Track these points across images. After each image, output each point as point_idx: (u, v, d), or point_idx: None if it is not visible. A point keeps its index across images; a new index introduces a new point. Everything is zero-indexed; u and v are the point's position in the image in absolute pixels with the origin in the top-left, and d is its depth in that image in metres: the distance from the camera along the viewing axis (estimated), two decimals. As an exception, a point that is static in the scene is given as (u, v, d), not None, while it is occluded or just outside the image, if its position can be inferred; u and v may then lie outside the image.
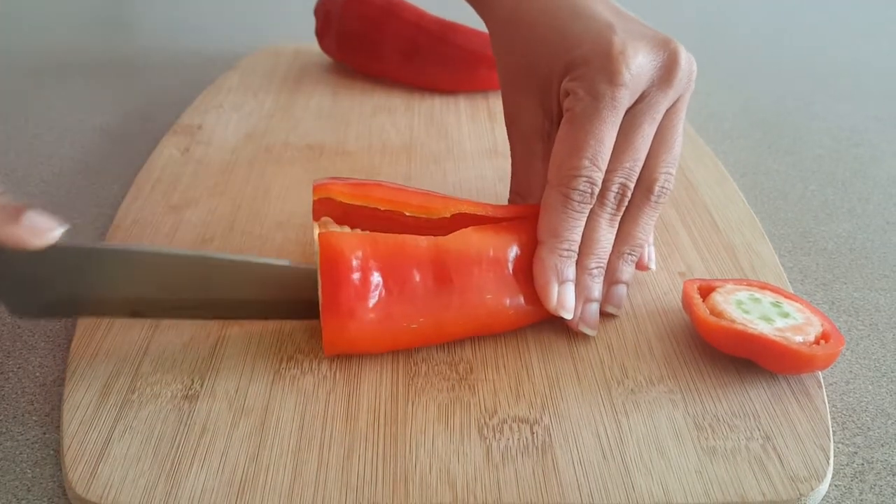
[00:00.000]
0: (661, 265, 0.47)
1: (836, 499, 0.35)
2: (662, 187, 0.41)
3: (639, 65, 0.39)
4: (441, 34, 0.67)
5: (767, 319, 0.39)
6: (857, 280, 0.49)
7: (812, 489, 0.33)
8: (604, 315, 0.42)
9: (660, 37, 0.40)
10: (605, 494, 0.33)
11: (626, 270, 0.42)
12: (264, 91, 0.70)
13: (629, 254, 0.42)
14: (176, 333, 0.41)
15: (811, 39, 0.88)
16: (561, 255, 0.39)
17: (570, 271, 0.40)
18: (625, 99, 0.39)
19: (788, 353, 0.37)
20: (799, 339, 0.38)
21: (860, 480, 0.35)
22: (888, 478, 0.35)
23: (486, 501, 0.32)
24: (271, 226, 0.50)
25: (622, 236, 0.41)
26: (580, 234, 0.40)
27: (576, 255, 0.40)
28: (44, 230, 0.35)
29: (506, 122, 0.46)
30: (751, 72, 0.80)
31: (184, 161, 0.58)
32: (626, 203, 0.41)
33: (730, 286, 0.41)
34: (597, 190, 0.39)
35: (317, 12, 0.73)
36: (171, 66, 0.80)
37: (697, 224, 0.51)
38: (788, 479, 0.33)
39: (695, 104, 0.72)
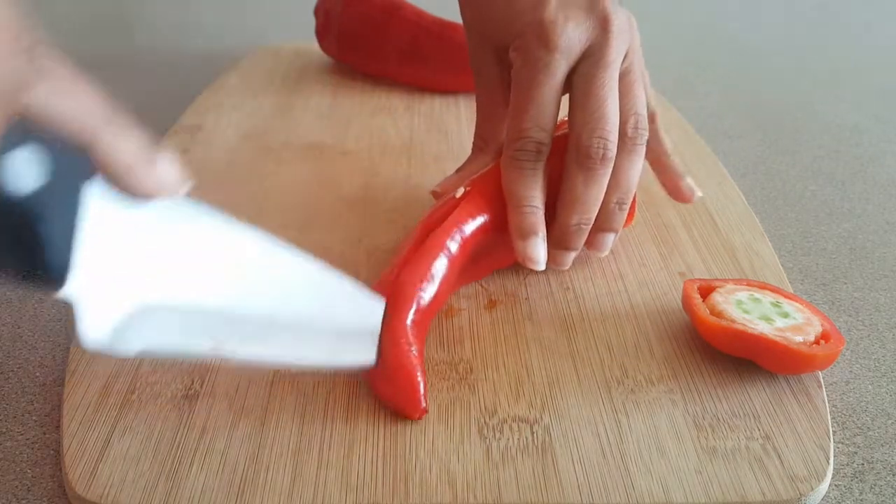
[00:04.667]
0: (661, 265, 0.47)
1: (836, 499, 0.35)
2: (635, 128, 0.42)
3: (571, 29, 0.41)
4: (441, 34, 0.66)
5: (767, 319, 0.39)
6: (857, 280, 0.49)
7: (812, 489, 0.33)
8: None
9: (591, 2, 0.42)
10: (605, 494, 0.33)
11: (616, 219, 0.43)
12: (264, 91, 0.70)
13: (617, 203, 0.43)
14: (176, 333, 0.41)
15: (811, 39, 0.88)
16: (523, 213, 0.41)
17: (536, 226, 0.41)
18: (560, 62, 0.41)
19: (788, 353, 0.37)
20: (799, 339, 0.38)
21: (860, 480, 0.35)
22: (888, 478, 0.35)
23: (486, 501, 0.32)
24: (271, 226, 0.50)
25: (611, 186, 0.42)
26: (537, 190, 0.42)
27: (539, 210, 0.42)
28: (175, 185, 0.33)
29: (472, 72, 0.49)
30: (751, 72, 0.80)
31: (184, 161, 0.57)
32: (607, 158, 0.41)
33: (730, 286, 0.41)
34: (544, 148, 0.41)
35: (317, 12, 0.73)
36: (171, 66, 0.80)
37: (697, 224, 0.51)
38: (788, 479, 0.33)
39: (695, 104, 0.72)
